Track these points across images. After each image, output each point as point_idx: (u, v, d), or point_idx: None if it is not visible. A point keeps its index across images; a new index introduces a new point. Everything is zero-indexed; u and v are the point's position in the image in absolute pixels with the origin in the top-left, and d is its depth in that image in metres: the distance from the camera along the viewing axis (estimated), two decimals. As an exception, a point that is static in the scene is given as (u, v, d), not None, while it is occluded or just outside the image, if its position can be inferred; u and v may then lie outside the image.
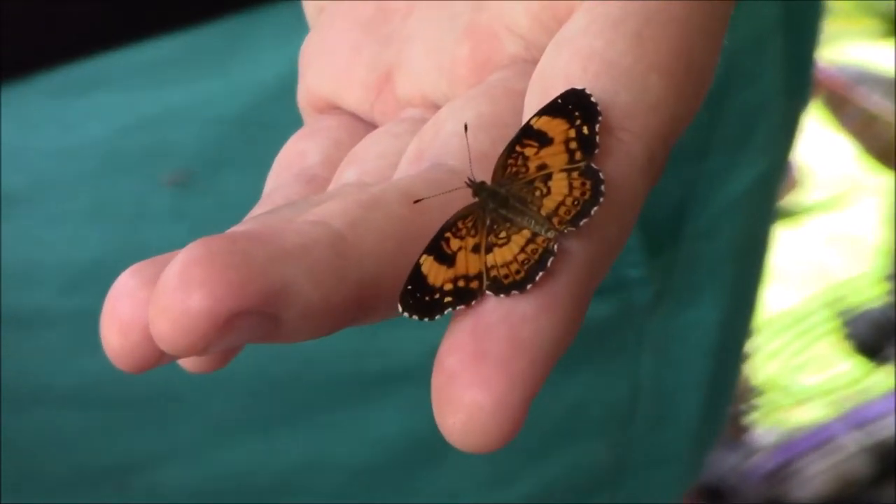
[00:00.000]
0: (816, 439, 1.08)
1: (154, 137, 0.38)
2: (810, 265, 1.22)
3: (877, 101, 1.29)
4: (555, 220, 0.21)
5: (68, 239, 0.38)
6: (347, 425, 0.40)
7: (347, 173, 0.25)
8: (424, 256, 0.21)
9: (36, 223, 0.38)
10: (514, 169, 0.22)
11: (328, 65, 0.28)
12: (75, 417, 0.40)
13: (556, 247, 0.20)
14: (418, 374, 0.35)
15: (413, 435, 0.40)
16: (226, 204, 0.37)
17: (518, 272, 0.20)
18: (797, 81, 0.47)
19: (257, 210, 0.25)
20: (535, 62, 0.23)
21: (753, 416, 1.12)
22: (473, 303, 0.20)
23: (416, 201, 0.21)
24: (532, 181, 0.22)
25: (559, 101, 0.22)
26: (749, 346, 1.10)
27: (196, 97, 0.37)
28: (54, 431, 0.40)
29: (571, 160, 0.22)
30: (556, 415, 0.42)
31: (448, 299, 0.21)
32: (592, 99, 0.21)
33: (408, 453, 0.41)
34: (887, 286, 1.19)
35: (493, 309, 0.20)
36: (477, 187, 0.22)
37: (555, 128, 0.22)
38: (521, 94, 0.23)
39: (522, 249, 0.21)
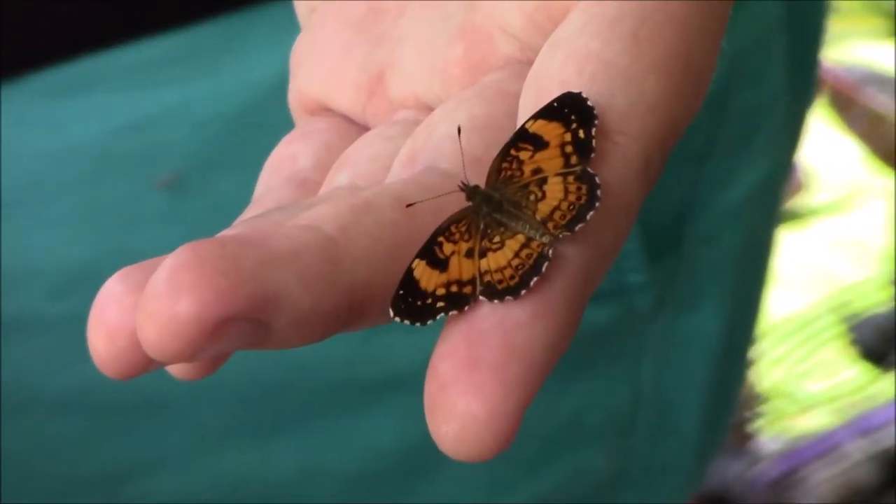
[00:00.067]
0: (821, 447, 1.08)
1: (146, 139, 0.38)
2: (815, 269, 1.22)
3: (883, 101, 1.29)
4: (550, 225, 0.21)
5: (58, 242, 0.38)
6: (340, 433, 0.40)
7: (339, 176, 0.25)
8: (417, 261, 0.21)
9: (25, 226, 0.38)
10: (509, 173, 0.22)
11: (319, 65, 0.28)
12: (65, 424, 0.40)
13: (550, 252, 0.20)
14: (412, 381, 0.35)
15: (407, 442, 0.40)
16: (220, 206, 0.37)
17: (512, 277, 0.20)
18: (801, 82, 0.47)
19: (247, 214, 0.25)
20: (529, 63, 0.23)
21: (758, 424, 1.12)
22: (466, 308, 0.20)
23: (409, 205, 0.21)
24: (527, 185, 0.22)
25: (555, 104, 0.22)
26: (753, 352, 1.10)
27: (189, 98, 0.37)
28: (44, 438, 0.40)
29: (567, 164, 0.22)
30: (555, 422, 0.42)
31: (441, 304, 0.21)
32: (589, 102, 0.21)
33: (402, 461, 0.41)
34: (894, 291, 1.19)
35: (487, 315, 0.20)
36: (471, 191, 0.22)
37: (550, 131, 0.22)
38: (516, 96, 0.23)
39: (517, 254, 0.21)
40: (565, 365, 0.21)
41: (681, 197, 0.42)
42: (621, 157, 0.21)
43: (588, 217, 0.20)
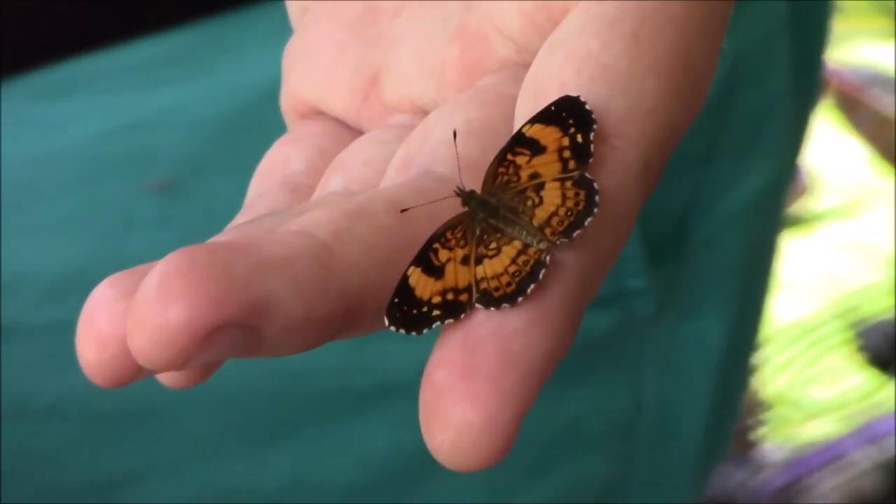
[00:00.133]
0: (827, 455, 1.08)
1: (138, 142, 0.38)
2: (821, 274, 1.22)
3: (889, 103, 1.29)
4: (547, 231, 0.21)
5: (48, 248, 0.38)
6: (335, 442, 0.40)
7: (332, 181, 0.25)
8: (412, 268, 0.21)
9: (14, 231, 0.38)
10: (506, 178, 0.22)
11: (312, 67, 0.28)
12: (56, 432, 0.40)
13: (548, 258, 0.20)
14: (407, 389, 0.35)
15: (403, 451, 0.40)
16: (212, 211, 0.37)
17: (509, 284, 0.20)
18: (805, 83, 0.47)
19: (239, 219, 0.25)
20: (526, 66, 0.23)
21: (762, 431, 1.12)
22: (463, 316, 0.20)
23: (404, 210, 0.21)
24: (524, 190, 0.22)
25: (552, 108, 0.22)
26: (757, 358, 1.10)
27: (182, 100, 0.37)
28: (35, 447, 0.40)
29: (565, 169, 0.22)
30: (555, 429, 0.42)
31: (436, 313, 0.21)
32: (587, 107, 0.21)
33: (398, 470, 0.40)
34: (901, 296, 1.19)
35: (484, 322, 0.20)
36: (466, 196, 0.22)
37: (548, 136, 0.22)
38: (513, 99, 0.23)
39: (513, 261, 0.21)
40: (565, 371, 0.21)
41: (682, 201, 0.42)
42: (620, 162, 0.21)
43: (586, 223, 0.20)
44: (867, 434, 1.09)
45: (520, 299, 0.20)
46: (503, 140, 0.22)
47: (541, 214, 0.21)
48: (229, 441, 0.40)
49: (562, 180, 0.21)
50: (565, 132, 0.21)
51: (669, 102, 0.22)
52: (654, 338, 0.43)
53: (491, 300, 0.20)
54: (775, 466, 1.09)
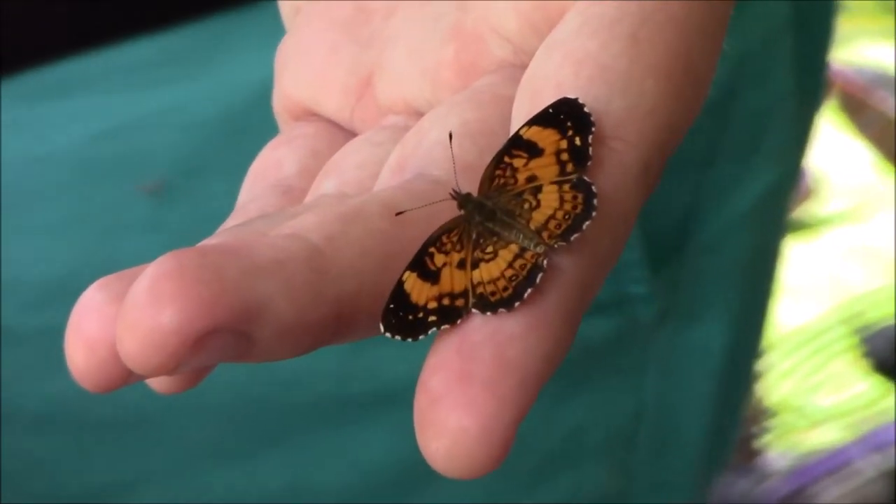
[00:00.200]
0: (832, 463, 1.08)
1: (130, 144, 0.38)
2: (826, 279, 1.22)
3: (894, 105, 1.29)
4: (544, 235, 0.21)
5: (38, 252, 0.38)
6: (329, 449, 0.40)
7: (325, 184, 0.25)
8: (407, 273, 0.21)
9: (4, 234, 0.38)
10: (502, 180, 0.22)
11: (305, 68, 0.28)
12: (45, 440, 0.40)
13: (545, 262, 0.20)
14: (402, 395, 0.35)
15: (399, 458, 0.40)
16: (206, 213, 0.37)
17: (505, 289, 0.20)
18: (809, 84, 0.47)
19: (231, 222, 0.25)
20: (523, 67, 0.23)
21: (766, 439, 1.12)
22: (459, 321, 0.20)
23: (398, 214, 0.21)
24: (521, 193, 0.22)
25: (550, 110, 0.22)
26: (760, 364, 1.09)
27: (174, 102, 0.37)
28: (25, 454, 0.40)
29: (562, 172, 0.22)
30: (555, 437, 0.42)
31: (432, 318, 0.21)
32: (585, 109, 0.21)
33: (394, 477, 0.40)
34: (907, 302, 1.19)
35: (480, 327, 0.20)
36: (462, 199, 0.22)
37: (545, 138, 0.22)
38: (509, 100, 0.23)
39: (510, 265, 0.21)
40: (566, 378, 0.21)
41: (684, 204, 0.42)
42: (619, 164, 0.21)
43: (584, 227, 0.20)
44: (872, 442, 1.09)
45: (517, 304, 0.20)
46: (500, 142, 0.22)
47: (538, 218, 0.21)
48: (222, 448, 0.40)
49: (559, 183, 0.21)
50: (563, 135, 0.21)
51: (669, 103, 0.22)
52: (656, 344, 0.43)
53: (487, 305, 0.20)
54: (779, 475, 1.09)
